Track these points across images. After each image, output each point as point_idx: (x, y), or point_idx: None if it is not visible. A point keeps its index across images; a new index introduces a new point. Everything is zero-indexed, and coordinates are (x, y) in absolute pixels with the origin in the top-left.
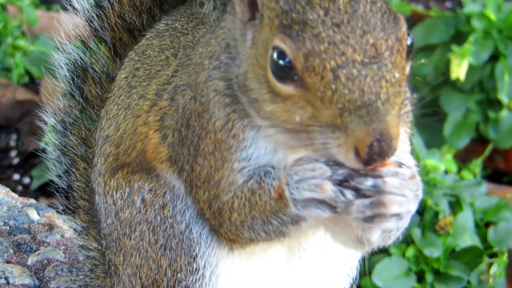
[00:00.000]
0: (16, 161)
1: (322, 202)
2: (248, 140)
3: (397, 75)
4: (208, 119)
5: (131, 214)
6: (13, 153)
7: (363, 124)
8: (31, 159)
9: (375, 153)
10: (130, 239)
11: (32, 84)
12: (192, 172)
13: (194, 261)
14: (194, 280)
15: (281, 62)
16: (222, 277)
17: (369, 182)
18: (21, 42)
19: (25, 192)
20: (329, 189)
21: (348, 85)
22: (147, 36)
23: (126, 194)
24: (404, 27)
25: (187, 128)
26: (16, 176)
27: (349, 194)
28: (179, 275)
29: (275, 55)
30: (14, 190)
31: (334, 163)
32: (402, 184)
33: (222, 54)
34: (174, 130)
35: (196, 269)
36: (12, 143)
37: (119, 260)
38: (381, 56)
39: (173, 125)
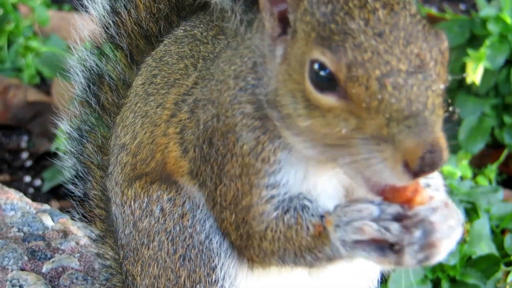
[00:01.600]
0: (27, 163)
1: (370, 244)
2: (278, 162)
3: (441, 86)
4: (235, 142)
5: (149, 224)
6: (25, 155)
7: (413, 135)
8: (42, 161)
9: (426, 165)
10: (148, 249)
11: (44, 84)
12: (215, 191)
13: (213, 272)
14: None
15: (321, 73)
16: None
17: (417, 234)
18: (33, 43)
19: (36, 194)
20: (371, 230)
21: (395, 94)
22: (165, 41)
23: (145, 204)
24: (446, 41)
25: (210, 146)
26: (28, 178)
27: (395, 229)
28: (197, 286)
29: (315, 67)
30: (25, 193)
31: (385, 203)
32: (446, 216)
33: (248, 74)
34: (195, 145)
35: (215, 281)
36: (23, 144)
37: (137, 270)
38: (426, 66)
39: (193, 140)
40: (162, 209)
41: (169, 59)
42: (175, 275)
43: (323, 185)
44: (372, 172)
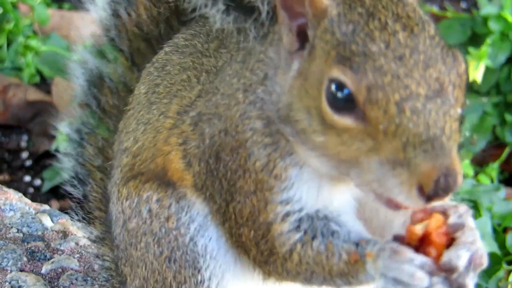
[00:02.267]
0: (27, 162)
1: None
2: (290, 179)
3: (458, 110)
4: (247, 158)
5: (137, 224)
6: (24, 154)
7: (429, 159)
8: (42, 161)
9: (441, 189)
10: (136, 249)
11: (44, 84)
12: (227, 207)
13: (198, 273)
14: None
15: (339, 94)
16: None
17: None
18: (33, 42)
19: (36, 194)
20: None
21: (413, 119)
22: (166, 49)
23: (135, 204)
24: (463, 63)
25: (217, 161)
26: (27, 178)
27: None
28: (183, 286)
29: (333, 87)
30: (25, 192)
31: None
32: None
33: (258, 87)
34: (201, 160)
35: (201, 281)
36: (23, 144)
37: (127, 270)
38: (444, 90)
39: (198, 154)
40: (149, 210)
41: (171, 69)
42: (161, 277)
43: (338, 200)
44: (386, 193)
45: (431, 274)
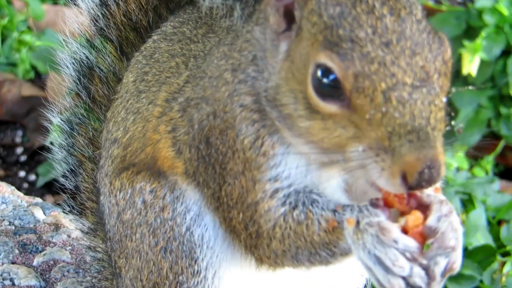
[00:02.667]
0: (22, 158)
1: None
2: (277, 156)
3: (443, 99)
4: (235, 137)
5: (132, 216)
6: (19, 150)
7: (414, 149)
8: (37, 156)
9: (424, 180)
10: (131, 241)
11: (38, 79)
12: (220, 191)
13: (195, 263)
14: (196, 283)
15: (325, 80)
16: (225, 279)
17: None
18: (27, 37)
19: (31, 189)
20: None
21: (399, 108)
22: (154, 38)
23: (128, 195)
24: (449, 49)
25: (208, 146)
26: (22, 173)
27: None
28: (180, 277)
29: (319, 72)
30: (19, 188)
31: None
32: (451, 223)
33: (248, 66)
34: (191, 146)
35: (198, 271)
36: (18, 139)
37: (122, 262)
38: (430, 79)
39: (188, 140)
40: (144, 201)
41: (159, 57)
42: (157, 267)
43: (325, 178)
44: (368, 178)
45: (413, 260)
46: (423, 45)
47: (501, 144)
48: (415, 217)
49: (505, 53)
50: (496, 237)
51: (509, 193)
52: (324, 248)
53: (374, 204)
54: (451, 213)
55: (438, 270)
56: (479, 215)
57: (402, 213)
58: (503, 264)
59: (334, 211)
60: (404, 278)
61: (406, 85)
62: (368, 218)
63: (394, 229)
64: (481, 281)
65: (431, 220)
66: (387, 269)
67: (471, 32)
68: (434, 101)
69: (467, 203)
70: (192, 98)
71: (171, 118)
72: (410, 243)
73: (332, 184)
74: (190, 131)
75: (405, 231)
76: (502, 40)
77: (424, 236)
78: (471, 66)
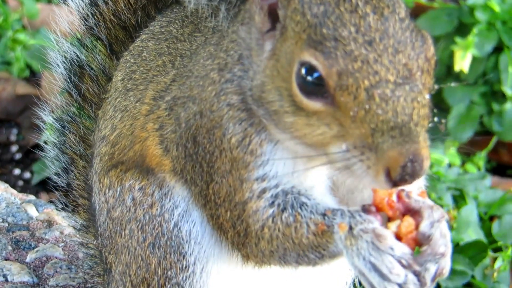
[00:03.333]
0: (17, 156)
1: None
2: (265, 155)
3: (426, 96)
4: (221, 136)
5: (121, 213)
6: (14, 148)
7: (397, 144)
8: (31, 154)
9: (407, 174)
10: (121, 237)
11: (33, 78)
12: (207, 189)
13: (183, 258)
14: (184, 278)
15: (309, 78)
16: (213, 274)
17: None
18: (21, 36)
19: (25, 187)
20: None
21: (382, 105)
22: (142, 37)
23: (118, 193)
24: (432, 46)
25: (195, 145)
26: (17, 171)
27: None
28: (169, 272)
29: (303, 70)
30: (14, 185)
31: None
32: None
33: (235, 66)
34: (178, 144)
35: (186, 266)
36: (13, 137)
37: (112, 257)
38: (413, 76)
39: (175, 139)
40: (133, 198)
41: (147, 55)
42: (145, 263)
43: (312, 177)
44: (353, 177)
45: (408, 267)
46: (406, 43)
47: (493, 140)
48: (408, 223)
49: (497, 50)
50: (487, 232)
51: (501, 189)
52: (312, 250)
53: (366, 209)
54: (443, 218)
55: (428, 276)
56: (470, 211)
57: (390, 218)
58: (494, 259)
59: (324, 214)
60: (399, 285)
61: (389, 83)
62: (362, 224)
63: (389, 236)
64: (473, 277)
65: (424, 226)
66: (383, 276)
67: (463, 29)
68: (417, 98)
69: (458, 199)
70: (179, 97)
71: (158, 116)
72: (406, 250)
73: (318, 183)
74: (177, 129)
75: (398, 237)
76: (494, 37)
77: (417, 242)
78: (463, 62)
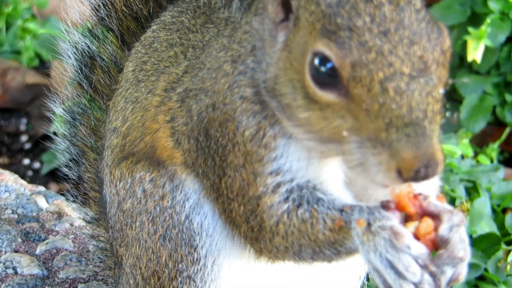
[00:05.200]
0: (26, 145)
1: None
2: (279, 148)
3: (441, 91)
4: (235, 130)
5: (132, 205)
6: (24, 138)
7: (411, 146)
8: (41, 144)
9: (420, 177)
10: (131, 229)
11: (42, 67)
12: (220, 183)
13: (195, 251)
14: (195, 270)
15: (323, 68)
16: (225, 267)
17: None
18: (31, 25)
19: (35, 177)
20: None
21: (396, 99)
22: (153, 27)
23: (128, 185)
24: (448, 38)
25: (208, 138)
26: (26, 161)
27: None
28: (180, 265)
29: (316, 61)
30: (24, 176)
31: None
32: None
33: (247, 58)
34: (190, 137)
35: (197, 259)
36: (22, 127)
37: (123, 250)
38: (428, 69)
39: (187, 131)
40: (144, 190)
41: (158, 46)
42: (156, 255)
43: (327, 172)
44: (365, 171)
45: (424, 267)
46: (422, 35)
47: (506, 131)
48: (426, 224)
49: (510, 40)
50: (500, 225)
51: None
52: (329, 247)
53: (385, 206)
54: (462, 222)
55: (444, 279)
56: (483, 203)
57: (410, 218)
58: (507, 252)
59: (341, 210)
60: (415, 284)
61: (403, 75)
62: (380, 221)
63: (407, 235)
64: (486, 270)
65: (443, 229)
66: (399, 274)
67: (475, 19)
68: (432, 93)
69: (471, 191)
70: (191, 89)
71: (169, 108)
72: (423, 250)
73: (334, 178)
74: (189, 122)
75: (416, 237)
76: (507, 27)
77: (435, 244)
78: (475, 53)
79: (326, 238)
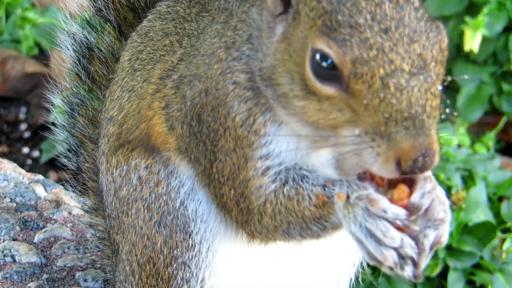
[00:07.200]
0: (25, 134)
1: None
2: (269, 135)
3: (439, 87)
4: (226, 115)
5: (128, 192)
6: (23, 126)
7: (410, 137)
8: (40, 132)
9: (418, 167)
10: (127, 216)
11: (42, 56)
12: (211, 168)
13: (189, 237)
14: (190, 257)
15: (324, 63)
16: (219, 253)
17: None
18: (30, 14)
19: (34, 165)
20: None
21: (397, 94)
22: (149, 17)
23: (124, 172)
24: (446, 37)
25: (200, 123)
26: (26, 150)
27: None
28: (175, 251)
29: (317, 56)
30: (23, 164)
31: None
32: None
33: (243, 45)
34: (183, 122)
35: (192, 245)
36: (22, 116)
37: (119, 238)
38: (427, 67)
39: (180, 117)
40: (139, 177)
41: (154, 35)
42: (151, 242)
43: (316, 155)
44: (361, 162)
45: (405, 228)
46: (421, 33)
47: (503, 120)
48: (400, 190)
49: (507, 30)
50: (496, 213)
51: (510, 169)
52: (315, 222)
53: (361, 177)
54: (434, 190)
55: (427, 242)
56: (479, 192)
57: (392, 186)
58: (503, 240)
59: (324, 186)
60: (395, 249)
61: (404, 72)
62: (357, 192)
63: (382, 200)
64: (481, 258)
65: (414, 197)
66: (378, 241)
67: (473, 9)
68: (431, 89)
69: (468, 180)
70: (185, 76)
71: (164, 95)
72: (399, 211)
73: (322, 162)
74: (183, 107)
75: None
76: (504, 17)
77: (407, 210)
78: (473, 42)
79: (312, 214)
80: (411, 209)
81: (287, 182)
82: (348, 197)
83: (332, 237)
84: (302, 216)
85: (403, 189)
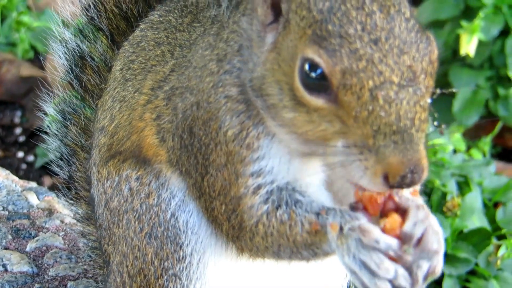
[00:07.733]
0: (20, 138)
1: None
2: (262, 148)
3: (428, 100)
4: (217, 129)
5: (119, 203)
6: (18, 130)
7: (399, 152)
8: (35, 136)
9: (405, 183)
10: (118, 227)
11: (37, 59)
12: (202, 181)
13: (180, 249)
14: (181, 268)
15: (313, 74)
16: (210, 265)
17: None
18: (25, 18)
19: (29, 170)
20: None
21: (385, 107)
22: (141, 26)
23: (115, 183)
24: (436, 49)
25: (191, 136)
26: (21, 154)
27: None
28: (165, 263)
29: (306, 66)
30: (18, 169)
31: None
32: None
33: (234, 57)
34: (174, 135)
35: (183, 257)
36: (17, 119)
37: (110, 249)
38: (417, 79)
39: (171, 129)
40: (130, 188)
41: (146, 45)
42: (141, 253)
43: (308, 174)
44: (349, 176)
45: (398, 259)
46: (411, 44)
47: (499, 125)
48: (392, 219)
49: (503, 34)
50: (491, 219)
51: (506, 175)
52: (306, 248)
53: (354, 207)
54: (427, 218)
55: (420, 273)
56: (475, 198)
57: (385, 215)
58: (498, 247)
59: (318, 214)
60: (390, 281)
61: (393, 84)
62: (349, 223)
63: (374, 230)
64: (476, 264)
65: (407, 226)
66: (373, 273)
67: (469, 13)
68: (420, 102)
69: (463, 186)
70: (177, 87)
71: (156, 106)
72: (392, 241)
73: (314, 180)
74: (174, 119)
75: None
76: (500, 21)
77: (400, 240)
78: (469, 46)
79: (304, 240)
80: (404, 238)
81: (280, 206)
82: (341, 228)
83: (322, 261)
84: (294, 241)
85: (395, 218)
